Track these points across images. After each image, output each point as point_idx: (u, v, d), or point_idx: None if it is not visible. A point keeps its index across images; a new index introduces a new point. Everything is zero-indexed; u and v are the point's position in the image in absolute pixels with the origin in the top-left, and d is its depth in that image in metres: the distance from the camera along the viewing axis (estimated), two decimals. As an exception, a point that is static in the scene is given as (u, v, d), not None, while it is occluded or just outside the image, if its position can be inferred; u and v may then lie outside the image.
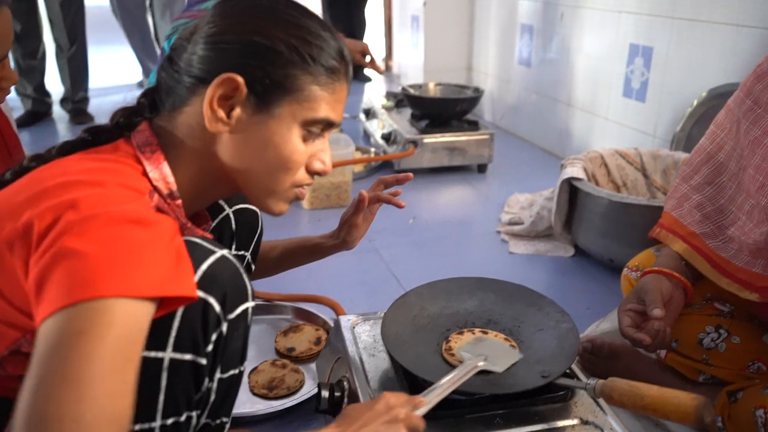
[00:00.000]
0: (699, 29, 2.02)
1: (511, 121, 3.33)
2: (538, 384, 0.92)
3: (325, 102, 0.78)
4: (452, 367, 0.97)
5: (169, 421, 0.68)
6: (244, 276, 0.74)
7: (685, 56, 2.09)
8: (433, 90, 2.85)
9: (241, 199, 0.99)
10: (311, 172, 0.82)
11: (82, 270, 0.56)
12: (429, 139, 2.55)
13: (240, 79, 0.72)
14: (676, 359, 1.16)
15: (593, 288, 1.75)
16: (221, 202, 0.97)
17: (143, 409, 0.65)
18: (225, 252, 0.72)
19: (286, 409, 1.23)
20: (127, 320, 0.56)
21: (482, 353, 0.96)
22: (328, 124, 0.80)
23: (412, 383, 0.96)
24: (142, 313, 0.58)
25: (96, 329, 0.54)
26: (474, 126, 2.64)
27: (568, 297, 1.72)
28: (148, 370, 0.65)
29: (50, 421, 0.51)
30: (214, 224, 0.96)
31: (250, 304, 0.75)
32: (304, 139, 0.78)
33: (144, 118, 0.78)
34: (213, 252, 0.71)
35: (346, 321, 1.17)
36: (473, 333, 1.06)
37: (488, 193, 2.50)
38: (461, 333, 1.07)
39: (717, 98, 1.90)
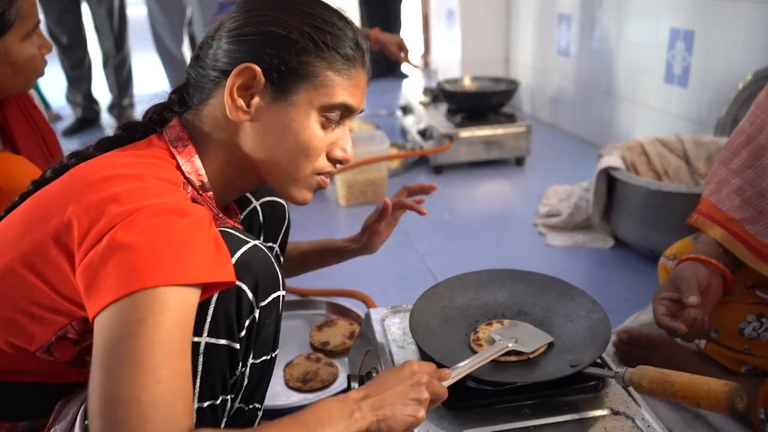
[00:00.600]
0: (741, 10, 1.94)
1: (550, 113, 3.27)
2: (567, 373, 0.90)
3: (341, 87, 0.78)
4: None
5: (206, 404, 0.71)
6: (276, 265, 0.76)
7: (727, 38, 2.02)
8: (468, 84, 2.83)
9: (268, 193, 1.01)
10: (332, 160, 0.83)
11: (133, 262, 0.59)
12: (465, 133, 2.53)
13: (257, 68, 0.74)
14: (716, 350, 1.12)
15: (633, 279, 1.70)
16: (249, 195, 0.99)
17: None
18: (257, 242, 0.74)
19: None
20: (179, 306, 0.60)
21: (513, 336, 0.96)
22: (346, 110, 0.81)
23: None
24: (191, 298, 0.62)
25: (154, 316, 0.58)
26: (510, 118, 2.61)
27: (607, 289, 1.68)
28: None
29: (128, 403, 0.55)
30: (242, 217, 0.98)
31: (281, 293, 0.77)
32: (323, 126, 0.80)
33: (174, 114, 0.81)
34: (246, 242, 0.73)
35: (376, 314, 1.18)
36: (502, 324, 1.05)
37: (526, 186, 2.46)
38: (489, 324, 1.06)
39: (763, 80, 1.83)
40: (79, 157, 0.79)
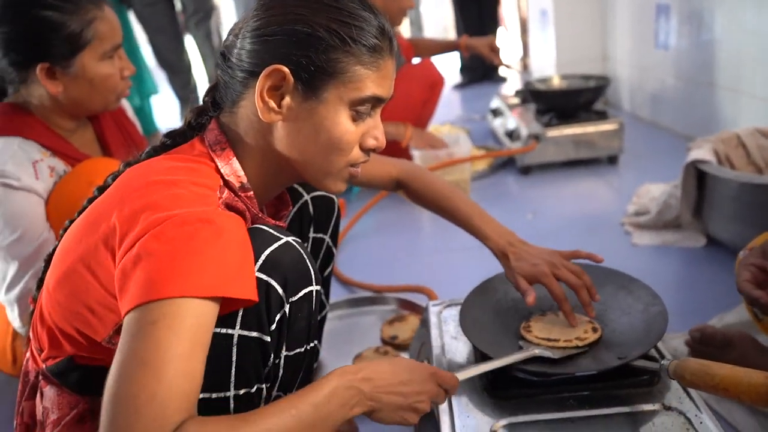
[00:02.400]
0: None
1: (650, 110, 3.12)
2: (612, 365, 0.88)
3: (370, 80, 0.79)
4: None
5: (242, 391, 0.75)
6: (308, 261, 0.79)
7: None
8: (557, 83, 2.76)
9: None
10: (365, 150, 0.85)
11: (155, 271, 0.65)
12: (552, 132, 2.48)
13: (286, 69, 0.75)
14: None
15: (724, 279, 1.59)
16: (299, 188, 1.03)
17: (219, 380, 0.73)
18: (290, 239, 0.77)
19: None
20: (192, 315, 0.64)
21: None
22: (376, 101, 0.82)
23: (488, 364, 0.96)
24: (206, 310, 0.66)
25: (166, 320, 0.63)
26: (602, 116, 2.52)
27: (696, 289, 1.59)
28: (221, 345, 0.72)
29: (129, 397, 0.59)
30: (294, 210, 1.03)
31: (314, 288, 0.79)
32: (354, 120, 0.81)
33: (211, 117, 0.86)
34: (278, 239, 0.76)
35: (434, 306, 1.20)
36: (557, 315, 1.04)
37: (619, 185, 2.37)
38: (544, 314, 1.05)
39: None
40: (131, 165, 0.86)
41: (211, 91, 0.86)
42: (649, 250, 1.81)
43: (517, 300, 1.09)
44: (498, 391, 0.92)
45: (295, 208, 1.03)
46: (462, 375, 0.87)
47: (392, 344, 1.43)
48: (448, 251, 1.98)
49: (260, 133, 0.82)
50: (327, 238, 1.07)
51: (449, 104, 4.14)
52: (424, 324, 1.20)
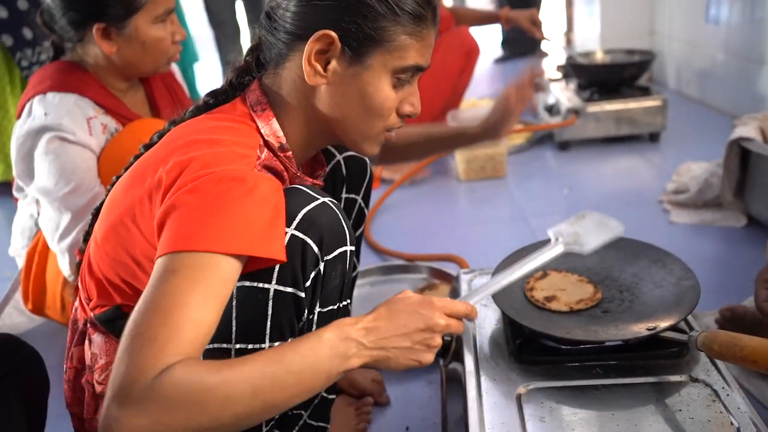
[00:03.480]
0: None
1: (697, 87, 3.03)
2: (641, 335, 0.89)
3: (413, 49, 0.81)
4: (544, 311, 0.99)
5: (276, 344, 0.77)
6: (344, 222, 0.81)
7: None
8: (600, 57, 2.71)
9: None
10: (401, 115, 0.87)
11: (184, 225, 0.67)
12: (593, 107, 2.44)
13: (335, 35, 0.78)
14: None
15: (764, 260, 1.56)
16: (332, 149, 1.06)
17: (255, 332, 0.76)
18: (327, 200, 0.80)
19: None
20: (212, 269, 0.66)
21: (576, 231, 0.96)
22: (417, 70, 0.84)
23: (516, 332, 0.97)
24: (227, 266, 0.67)
25: (185, 271, 0.65)
26: (645, 92, 2.46)
27: (734, 269, 1.57)
28: (257, 299, 0.75)
29: (135, 336, 0.62)
30: (327, 170, 1.05)
31: (348, 248, 0.81)
32: (395, 86, 0.83)
33: (253, 77, 0.88)
34: (315, 199, 0.78)
35: (465, 275, 1.22)
36: (560, 274, 1.06)
37: (659, 163, 2.33)
38: (545, 275, 1.07)
39: None
40: (175, 123, 0.89)
41: (253, 51, 0.88)
42: (687, 228, 1.79)
43: (548, 268, 1.10)
44: (525, 356, 0.93)
45: (328, 168, 1.05)
46: (473, 299, 0.85)
47: (423, 311, 1.46)
48: (480, 223, 1.99)
49: (303, 95, 0.84)
50: (359, 199, 1.09)
51: (489, 78, 4.09)
52: (455, 292, 1.22)
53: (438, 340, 0.75)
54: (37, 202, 1.45)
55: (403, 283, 1.61)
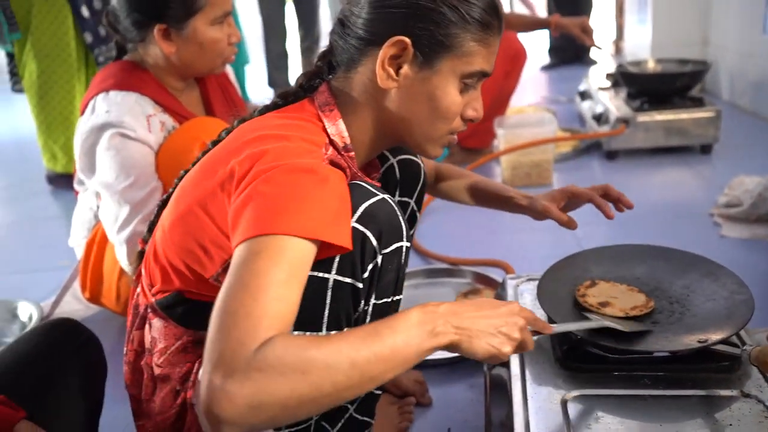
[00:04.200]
0: None
1: (752, 99, 2.95)
2: (692, 347, 0.88)
3: (480, 56, 0.85)
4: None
5: (332, 332, 0.80)
6: (401, 219, 0.83)
7: None
8: (652, 66, 2.67)
9: (404, 151, 1.10)
10: (464, 119, 0.90)
11: (263, 210, 0.71)
12: (643, 117, 2.40)
13: (408, 41, 0.81)
14: None
15: (821, 278, 1.52)
16: (386, 153, 1.08)
17: (313, 320, 0.79)
18: (386, 196, 0.82)
19: (454, 359, 1.31)
20: (292, 251, 0.69)
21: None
22: (482, 75, 0.87)
23: (564, 339, 0.97)
24: (305, 250, 0.71)
25: (268, 252, 0.69)
26: (698, 103, 2.42)
27: (788, 286, 1.53)
28: (317, 287, 0.78)
29: (229, 313, 0.65)
30: (381, 172, 1.07)
31: (404, 244, 0.84)
32: (461, 91, 0.87)
33: (323, 80, 0.92)
34: (375, 195, 0.81)
35: (511, 280, 1.22)
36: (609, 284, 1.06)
37: (710, 175, 2.28)
38: (594, 283, 1.06)
39: None
40: (243, 121, 0.93)
41: (325, 56, 0.92)
42: (738, 242, 1.75)
43: (596, 278, 1.09)
44: (571, 363, 0.93)
45: (382, 171, 1.07)
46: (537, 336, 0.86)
47: (466, 315, 1.46)
48: (525, 231, 1.98)
49: (373, 97, 0.87)
50: (412, 203, 1.11)
51: (535, 85, 4.06)
52: (501, 297, 1.22)
53: (517, 334, 0.74)
54: (97, 195, 1.51)
55: (447, 286, 1.62)
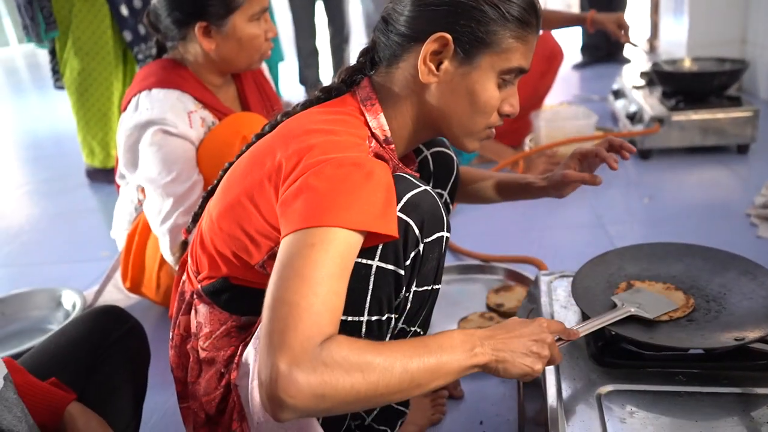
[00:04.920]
0: None
1: (792, 99, 2.90)
2: (728, 345, 0.88)
3: (519, 52, 0.87)
4: None
5: (374, 318, 0.83)
6: (442, 209, 0.86)
7: None
8: (688, 65, 2.63)
9: (438, 144, 1.12)
10: (501, 114, 0.92)
11: (314, 203, 0.74)
12: (678, 116, 2.38)
13: (449, 37, 0.84)
14: None
15: None
16: (421, 145, 1.10)
17: (355, 305, 0.81)
18: (428, 188, 0.85)
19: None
20: (343, 243, 0.73)
21: (636, 301, 0.98)
22: (519, 72, 0.89)
23: (598, 334, 0.98)
24: (354, 241, 0.74)
25: (323, 245, 0.72)
26: (735, 102, 2.38)
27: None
28: (361, 273, 0.80)
29: (291, 304, 0.69)
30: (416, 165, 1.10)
31: (445, 234, 0.87)
32: (499, 86, 0.89)
33: (365, 75, 0.94)
34: (418, 186, 0.84)
35: (545, 276, 1.23)
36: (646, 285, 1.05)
37: (747, 176, 2.24)
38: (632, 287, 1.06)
39: None
40: (287, 115, 0.96)
41: (367, 52, 0.95)
42: (776, 244, 1.73)
43: (631, 276, 1.10)
44: (606, 359, 0.94)
45: (417, 163, 1.10)
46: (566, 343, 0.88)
47: (497, 311, 1.48)
48: (555, 228, 1.98)
49: (414, 92, 0.90)
50: (446, 194, 1.13)
51: (567, 83, 4.03)
52: (534, 293, 1.23)
53: (546, 351, 0.80)
54: (139, 188, 1.56)
55: (479, 283, 1.63)
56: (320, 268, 0.70)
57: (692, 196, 2.14)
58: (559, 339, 0.85)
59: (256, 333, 0.91)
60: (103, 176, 2.95)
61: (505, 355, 0.77)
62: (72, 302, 1.69)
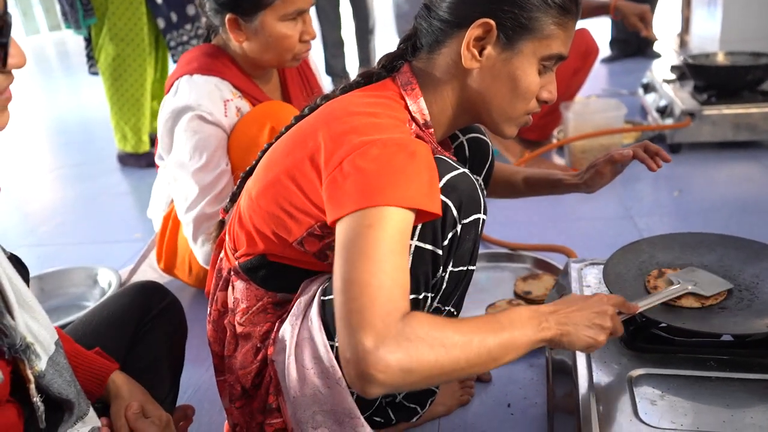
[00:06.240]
0: None
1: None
2: (760, 331, 0.89)
3: (559, 39, 0.88)
4: None
5: (411, 296, 0.84)
6: (480, 191, 0.88)
7: None
8: (721, 59, 2.60)
9: (474, 130, 1.13)
10: (539, 101, 0.94)
11: (365, 185, 0.76)
12: (709, 111, 2.36)
13: (493, 23, 0.85)
14: None
15: None
16: (457, 132, 1.12)
17: None
18: (466, 170, 0.87)
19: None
20: (399, 220, 0.75)
21: (692, 279, 1.00)
22: (559, 58, 0.90)
23: (629, 320, 0.99)
24: (407, 218, 0.76)
25: (381, 224, 0.74)
26: (768, 97, 2.35)
27: None
28: None
29: (362, 284, 0.71)
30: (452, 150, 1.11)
31: (481, 216, 0.89)
32: (539, 73, 0.90)
33: (405, 61, 0.96)
34: (456, 168, 0.86)
35: (575, 264, 1.24)
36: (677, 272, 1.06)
37: (780, 172, 2.22)
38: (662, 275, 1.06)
39: None
40: (327, 98, 0.98)
41: (408, 39, 0.96)
42: (809, 239, 1.71)
43: (663, 264, 1.10)
44: (637, 343, 0.95)
45: (453, 148, 1.11)
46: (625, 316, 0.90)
47: (525, 299, 1.49)
48: (584, 219, 1.99)
49: (455, 77, 0.92)
50: (480, 180, 1.15)
51: (595, 77, 3.99)
52: (563, 280, 1.24)
53: (608, 323, 0.82)
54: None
55: (507, 270, 1.65)
56: (382, 246, 0.72)
57: (723, 190, 2.13)
58: (619, 312, 0.87)
59: (292, 311, 0.94)
60: (134, 161, 3.01)
61: (569, 329, 0.79)
62: (108, 280, 1.74)
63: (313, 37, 1.44)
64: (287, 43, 1.40)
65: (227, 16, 1.38)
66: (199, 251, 1.49)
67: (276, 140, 0.99)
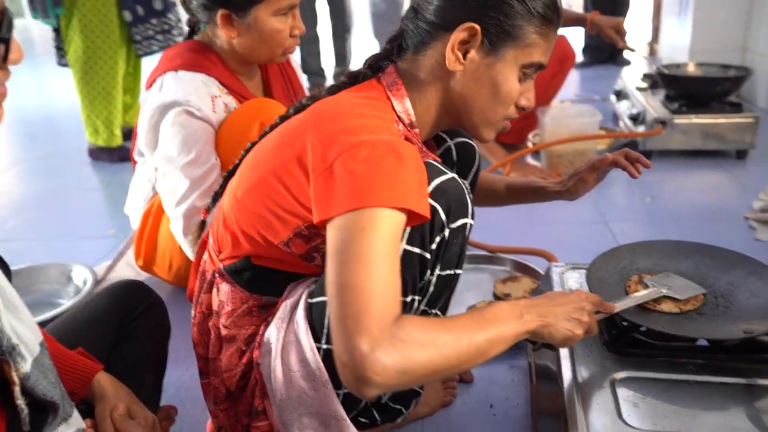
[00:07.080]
0: None
1: (790, 108, 2.95)
2: (737, 336, 0.92)
3: (540, 48, 0.91)
4: None
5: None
6: (468, 196, 0.89)
7: None
8: (692, 69, 2.68)
9: (461, 134, 1.15)
10: (518, 107, 0.96)
11: (355, 186, 0.76)
12: (680, 119, 2.42)
13: (478, 28, 0.87)
14: None
15: None
16: (444, 135, 1.13)
17: None
18: (454, 175, 0.88)
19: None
20: (391, 222, 0.75)
21: (666, 284, 1.04)
22: (539, 67, 0.93)
23: (611, 324, 1.02)
24: (399, 219, 0.77)
25: (373, 227, 0.74)
26: (736, 108, 2.43)
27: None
28: None
29: (357, 288, 0.71)
30: (439, 153, 1.12)
31: (469, 221, 0.90)
32: (520, 80, 0.92)
33: (390, 62, 0.97)
34: (445, 172, 0.87)
35: (556, 268, 1.26)
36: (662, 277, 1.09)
37: (745, 180, 2.30)
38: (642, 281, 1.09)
39: None
40: (313, 99, 0.98)
41: (394, 40, 0.97)
42: (774, 246, 1.78)
43: (642, 270, 1.13)
44: (619, 347, 0.98)
45: (439, 153, 1.13)
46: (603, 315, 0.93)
47: (504, 301, 1.51)
48: (559, 223, 2.02)
49: (439, 79, 0.93)
50: (466, 184, 1.16)
51: (569, 83, 4.04)
52: (545, 284, 1.26)
53: (586, 318, 0.85)
54: (155, 169, 1.57)
55: (486, 272, 1.67)
56: (377, 250, 0.73)
57: (692, 197, 2.19)
58: (597, 312, 0.90)
59: (278, 313, 0.94)
60: (107, 155, 2.95)
61: (549, 320, 0.81)
62: (83, 278, 1.71)
63: (302, 32, 1.44)
64: (279, 38, 1.40)
65: (219, 12, 1.37)
66: (189, 246, 1.47)
67: (260, 140, 0.99)
